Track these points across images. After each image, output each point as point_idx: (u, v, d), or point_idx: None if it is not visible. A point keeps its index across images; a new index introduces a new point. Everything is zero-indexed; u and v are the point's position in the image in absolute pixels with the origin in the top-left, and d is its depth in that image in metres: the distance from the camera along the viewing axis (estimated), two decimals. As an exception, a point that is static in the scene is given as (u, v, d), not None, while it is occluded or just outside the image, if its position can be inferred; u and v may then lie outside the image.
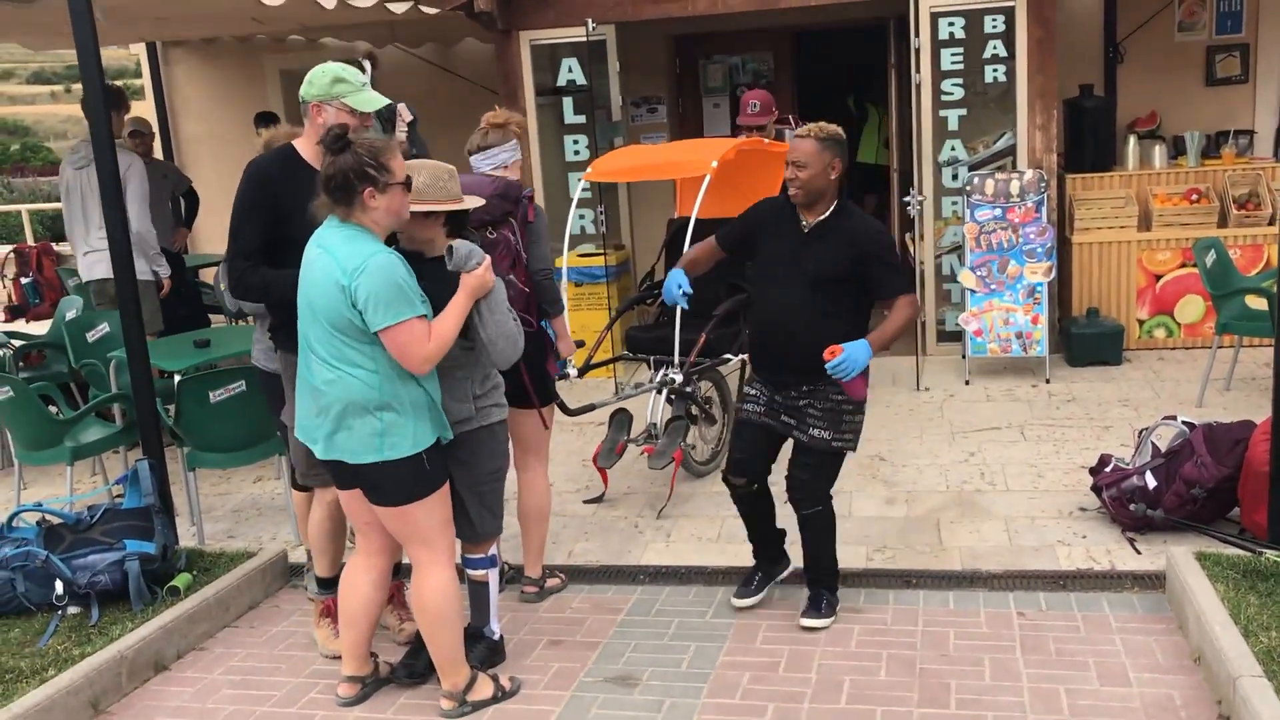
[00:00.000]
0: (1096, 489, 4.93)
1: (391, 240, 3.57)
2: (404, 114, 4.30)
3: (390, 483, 3.47)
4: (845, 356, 3.76)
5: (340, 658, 3.97)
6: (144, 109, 9.86)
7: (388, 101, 3.96)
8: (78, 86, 6.83)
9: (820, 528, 4.15)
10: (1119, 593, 4.29)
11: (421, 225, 3.61)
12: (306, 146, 3.88)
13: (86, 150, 6.53)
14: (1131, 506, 4.68)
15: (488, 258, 3.51)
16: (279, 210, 3.74)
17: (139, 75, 10.62)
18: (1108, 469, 4.91)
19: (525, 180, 4.55)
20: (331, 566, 4.24)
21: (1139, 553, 4.56)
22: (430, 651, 3.70)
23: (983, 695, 3.64)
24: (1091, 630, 4.01)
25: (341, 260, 3.33)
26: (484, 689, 3.75)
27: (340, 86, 3.83)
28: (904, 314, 3.95)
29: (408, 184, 3.44)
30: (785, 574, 4.39)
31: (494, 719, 3.70)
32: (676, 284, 4.21)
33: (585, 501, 5.58)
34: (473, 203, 3.75)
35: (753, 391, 4.19)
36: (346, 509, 3.70)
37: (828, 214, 4.00)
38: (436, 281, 3.50)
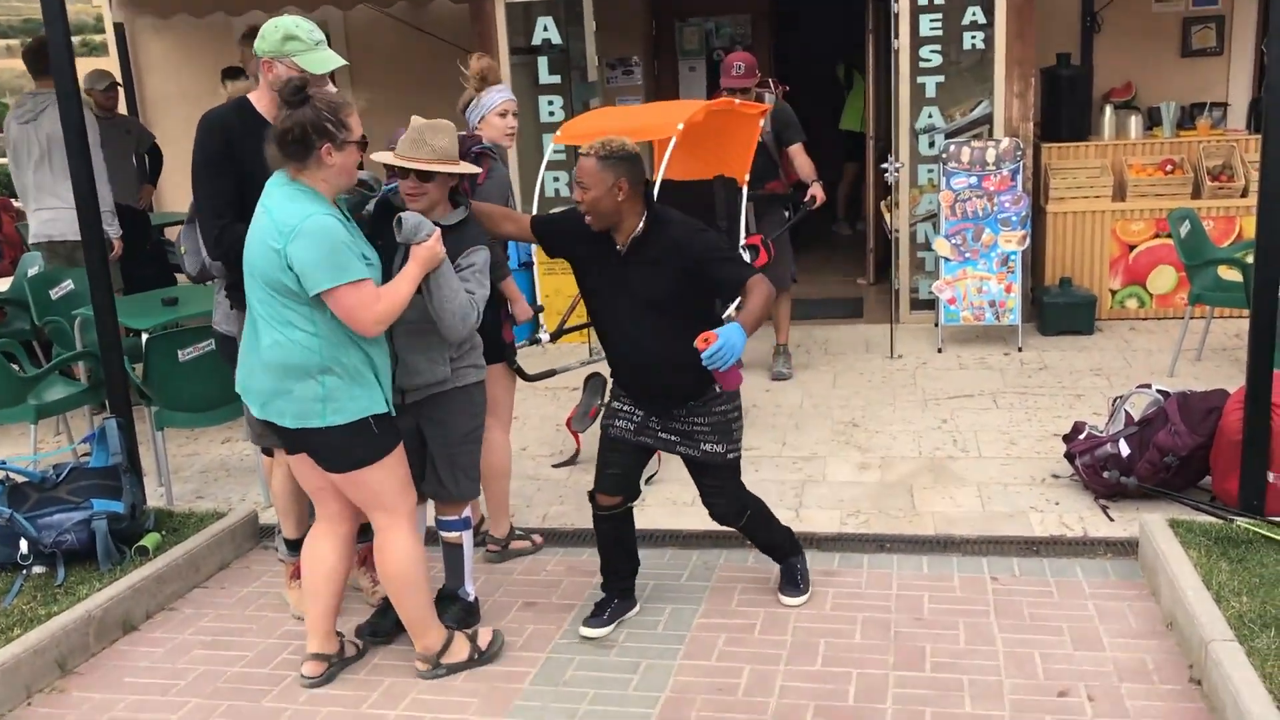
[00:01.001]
0: (1069, 456, 4.95)
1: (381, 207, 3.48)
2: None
3: (336, 449, 3.39)
4: (721, 344, 3.33)
5: None
6: (108, 65, 9.64)
7: (342, 62, 3.78)
8: (27, 43, 6.62)
9: (757, 525, 4.02)
10: (1092, 559, 4.31)
11: (442, 188, 3.57)
12: (261, 100, 3.78)
13: (33, 104, 6.37)
14: (1105, 474, 4.71)
15: (437, 229, 3.44)
16: (239, 164, 3.65)
17: (101, 31, 10.38)
18: (1081, 436, 4.94)
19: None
20: (297, 527, 4.19)
21: (1111, 520, 4.58)
22: (400, 616, 3.66)
23: (958, 659, 3.66)
24: (1065, 595, 4.04)
25: (278, 221, 3.23)
26: (460, 651, 3.71)
27: (291, 44, 3.67)
28: (761, 293, 3.52)
29: (363, 143, 3.36)
30: (633, 613, 4.04)
31: (468, 680, 3.68)
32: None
33: (555, 465, 5.55)
34: (469, 169, 3.68)
35: (624, 407, 3.88)
36: (297, 474, 3.63)
37: (639, 231, 3.64)
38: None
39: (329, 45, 3.82)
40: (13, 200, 10.53)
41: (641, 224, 3.64)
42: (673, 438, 3.83)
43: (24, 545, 4.27)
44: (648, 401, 3.83)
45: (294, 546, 4.19)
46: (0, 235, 9.90)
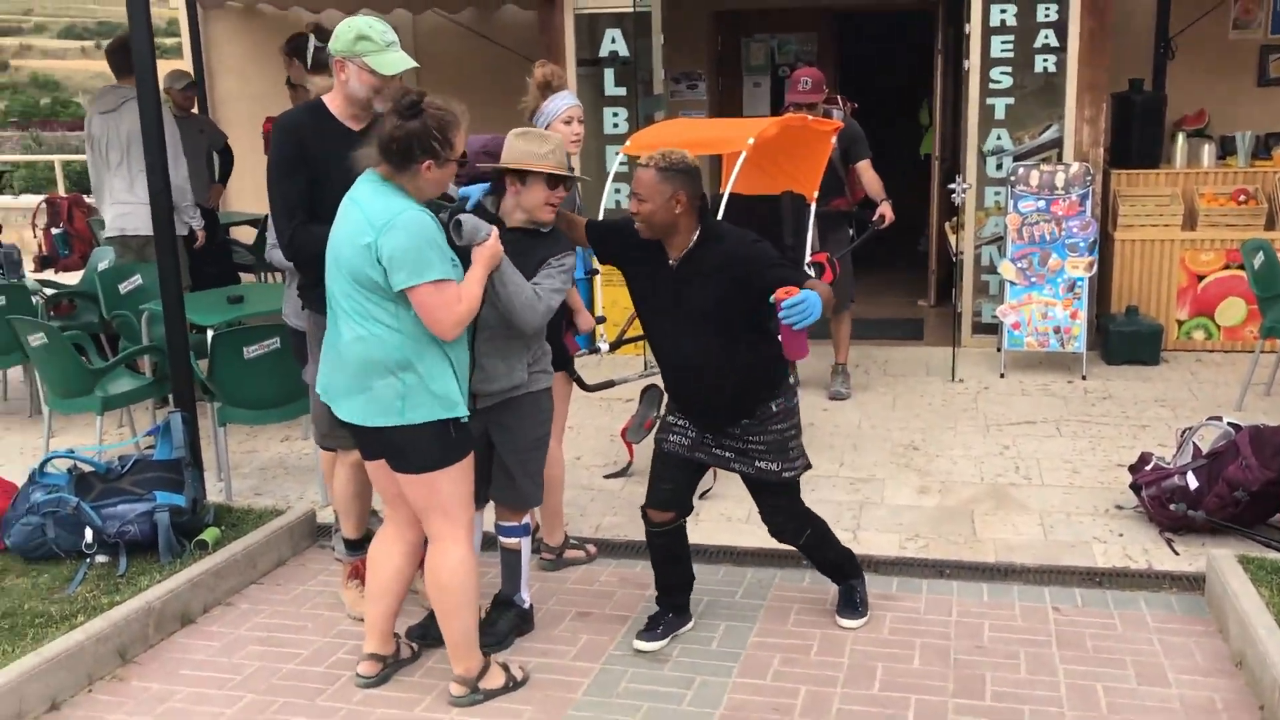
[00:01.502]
0: (1135, 487, 4.85)
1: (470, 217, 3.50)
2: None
3: (412, 447, 3.37)
4: (804, 298, 3.21)
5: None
6: (181, 67, 9.82)
7: (413, 64, 3.78)
8: (109, 43, 6.78)
9: (816, 543, 3.96)
10: (1156, 592, 4.22)
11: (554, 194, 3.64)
12: (334, 101, 3.81)
13: (114, 96, 6.47)
14: (1171, 506, 4.61)
15: (494, 229, 3.45)
16: (309, 161, 3.68)
17: (175, 34, 10.57)
18: (1148, 467, 4.84)
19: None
20: (357, 528, 4.20)
21: (1177, 553, 4.49)
22: (444, 633, 3.58)
23: (1019, 689, 3.59)
24: (1129, 629, 3.95)
25: (370, 215, 3.25)
26: (496, 678, 3.63)
27: (363, 44, 3.68)
28: (825, 287, 3.43)
29: (462, 160, 3.39)
30: (687, 629, 4.00)
31: (526, 688, 3.66)
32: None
33: (607, 475, 5.54)
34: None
35: (678, 422, 3.83)
36: (373, 480, 3.63)
37: (691, 245, 3.60)
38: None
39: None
40: (85, 196, 10.76)
41: (695, 239, 3.62)
42: (727, 454, 3.80)
43: (89, 534, 4.34)
44: (701, 417, 3.80)
45: (352, 546, 4.21)
46: (72, 230, 10.10)
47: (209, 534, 4.52)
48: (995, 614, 4.09)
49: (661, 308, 3.69)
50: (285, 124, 3.81)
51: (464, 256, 3.40)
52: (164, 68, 8.25)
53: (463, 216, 3.42)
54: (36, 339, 5.43)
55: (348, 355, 3.35)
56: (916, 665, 3.74)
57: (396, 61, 3.72)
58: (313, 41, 4.62)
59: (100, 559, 4.35)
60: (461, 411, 3.40)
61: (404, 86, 3.40)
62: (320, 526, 4.91)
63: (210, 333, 5.27)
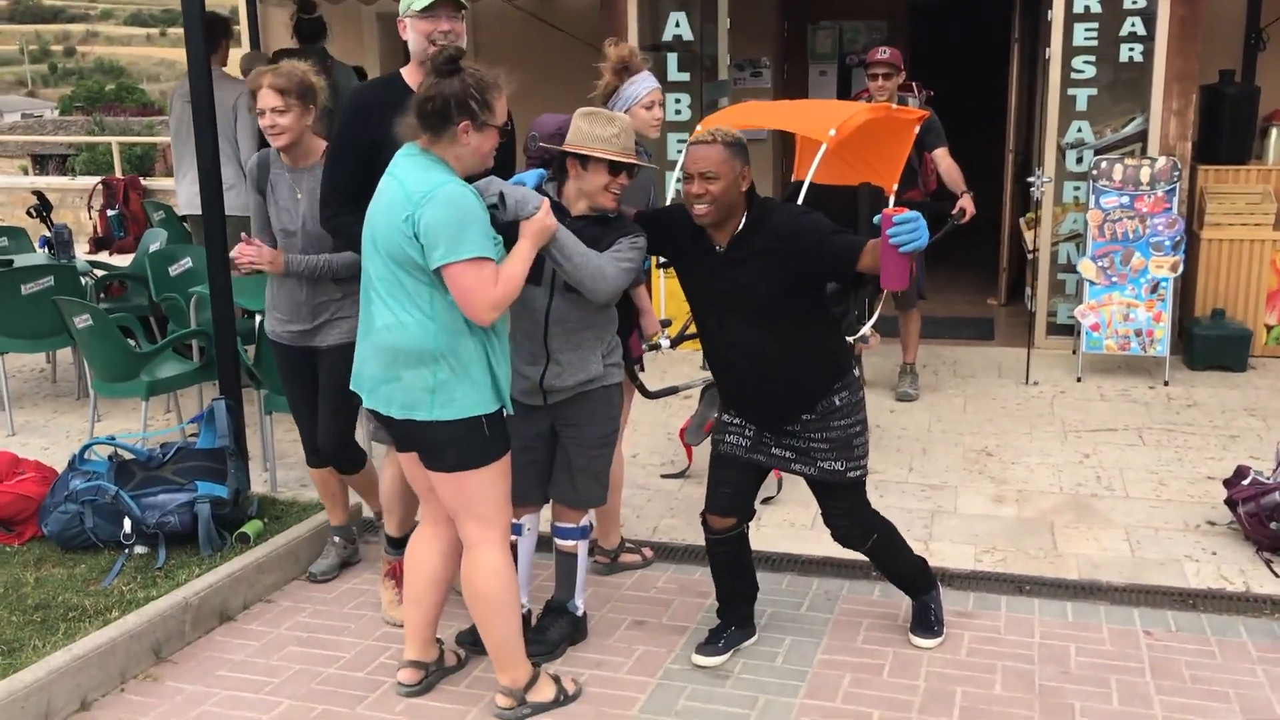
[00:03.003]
0: (1230, 503, 4.53)
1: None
2: None
3: (442, 445, 3.16)
4: (916, 216, 2.97)
5: (403, 626, 3.77)
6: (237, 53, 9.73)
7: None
8: (174, 30, 6.72)
9: (884, 550, 3.68)
10: (1256, 618, 3.91)
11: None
12: (411, 72, 3.66)
13: None
14: (1271, 525, 4.29)
15: (544, 200, 3.21)
16: (375, 135, 3.51)
17: (236, 23, 10.49)
18: (1245, 482, 4.51)
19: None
20: (401, 526, 4.02)
21: (1277, 575, 4.17)
22: (485, 642, 3.35)
23: (1111, 721, 3.31)
24: (1229, 657, 3.65)
25: (408, 188, 3.03)
26: (545, 690, 3.40)
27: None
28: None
29: (506, 130, 3.16)
30: (750, 643, 3.76)
31: (575, 703, 3.44)
32: None
33: (664, 476, 5.31)
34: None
35: (734, 421, 3.60)
36: (407, 473, 3.42)
37: (741, 228, 3.37)
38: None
39: None
40: (141, 178, 10.71)
41: (744, 221, 3.37)
42: (788, 454, 3.54)
43: (127, 524, 4.19)
44: (757, 415, 3.54)
45: (394, 544, 4.03)
46: (127, 212, 10.06)
47: (251, 527, 4.35)
48: (1081, 636, 3.80)
49: (713, 296, 3.45)
50: (351, 101, 3.73)
51: (514, 234, 3.19)
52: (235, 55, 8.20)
53: (507, 189, 3.19)
54: (82, 321, 5.30)
55: (379, 341, 3.15)
56: (998, 691, 3.47)
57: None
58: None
59: (139, 550, 4.20)
60: (494, 407, 3.18)
61: (452, 46, 3.19)
62: (365, 521, 4.73)
63: (259, 317, 5.11)
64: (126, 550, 4.18)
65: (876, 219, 3.06)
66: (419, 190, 3.01)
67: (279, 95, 3.83)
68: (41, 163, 19.75)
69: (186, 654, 3.78)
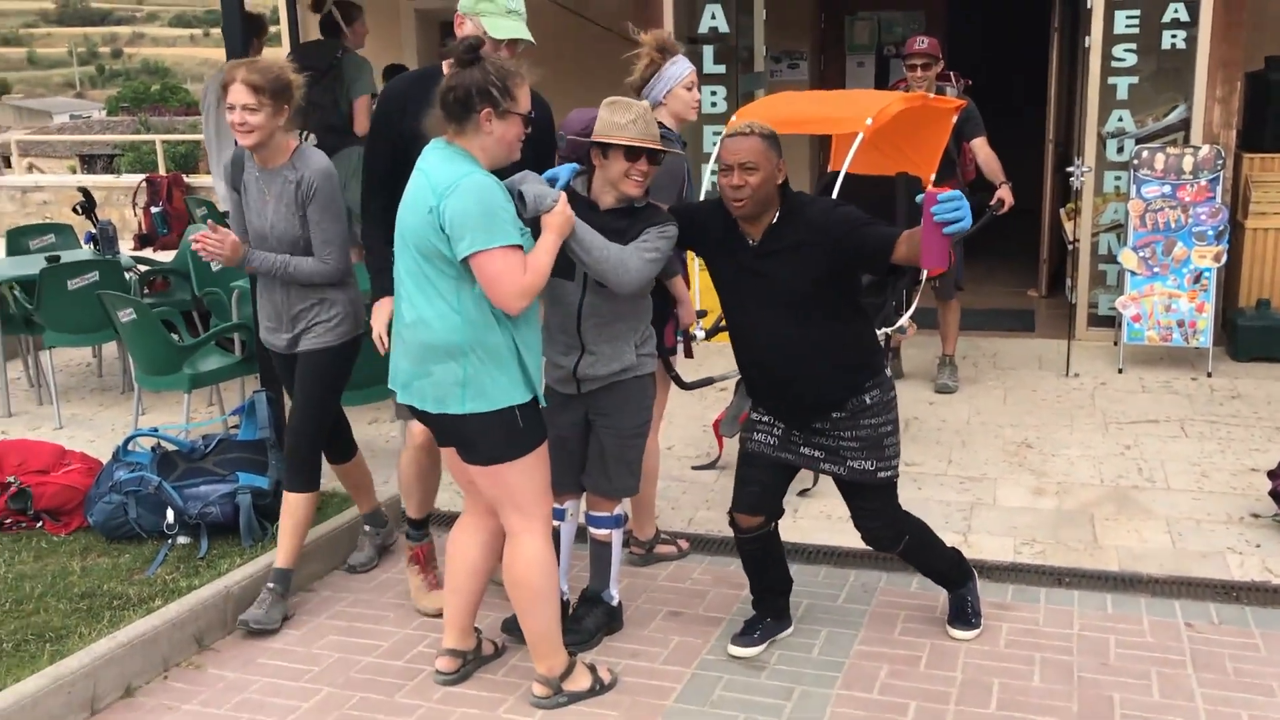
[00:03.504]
0: (1276, 494, 4.47)
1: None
2: None
3: (477, 438, 3.18)
4: (960, 195, 2.93)
5: (433, 615, 3.83)
6: (278, 56, 9.82)
7: (528, 37, 3.66)
8: (216, 30, 6.80)
9: (916, 549, 3.64)
10: (1302, 611, 3.86)
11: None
12: (450, 64, 3.67)
13: None
14: (1317, 517, 4.23)
15: (562, 194, 3.22)
16: (409, 126, 3.54)
17: (276, 22, 10.57)
18: (1290, 473, 4.45)
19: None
20: (420, 509, 4.06)
21: (1323, 568, 4.11)
22: (524, 630, 3.39)
23: (1151, 713, 3.28)
24: (1273, 650, 3.60)
25: (434, 180, 3.06)
26: (582, 679, 3.42)
27: (484, 5, 3.61)
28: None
29: (528, 119, 3.17)
30: (786, 634, 3.75)
31: (610, 693, 3.45)
32: None
33: (694, 468, 5.31)
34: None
35: (763, 418, 3.58)
36: (448, 465, 3.45)
37: (775, 221, 3.35)
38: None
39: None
40: (184, 176, 10.85)
41: (777, 214, 3.36)
42: (817, 454, 3.51)
43: (170, 515, 4.24)
44: (786, 412, 3.52)
45: (415, 526, 4.08)
46: (170, 209, 10.19)
47: (291, 517, 4.39)
48: (1121, 628, 3.77)
49: (743, 291, 3.43)
50: (385, 92, 3.80)
51: (538, 230, 3.20)
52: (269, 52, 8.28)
53: (524, 186, 3.21)
54: (126, 315, 5.38)
55: (408, 337, 3.19)
56: (1037, 683, 3.45)
57: (510, 28, 3.60)
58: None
59: (181, 540, 4.26)
60: (527, 397, 3.20)
61: (471, 35, 3.22)
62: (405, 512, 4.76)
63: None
64: (169, 540, 4.24)
65: (919, 197, 3.04)
66: (444, 182, 3.04)
67: (252, 92, 3.67)
68: (89, 162, 20.02)
69: (228, 642, 3.83)
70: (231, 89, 3.68)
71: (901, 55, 6.22)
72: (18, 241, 7.44)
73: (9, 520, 4.50)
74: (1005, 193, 5.87)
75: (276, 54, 8.57)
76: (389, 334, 3.62)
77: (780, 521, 3.70)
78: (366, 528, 4.44)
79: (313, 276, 3.82)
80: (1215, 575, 4.10)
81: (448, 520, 4.45)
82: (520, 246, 3.07)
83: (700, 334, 4.93)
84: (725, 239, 3.44)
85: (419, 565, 4.06)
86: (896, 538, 3.60)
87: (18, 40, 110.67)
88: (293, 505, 3.93)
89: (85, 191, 8.33)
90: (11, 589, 3.94)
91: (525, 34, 3.64)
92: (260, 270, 3.86)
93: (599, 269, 3.29)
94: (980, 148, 5.99)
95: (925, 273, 4.92)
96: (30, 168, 18.83)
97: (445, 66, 3.69)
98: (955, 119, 5.91)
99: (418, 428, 3.86)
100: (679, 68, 4.06)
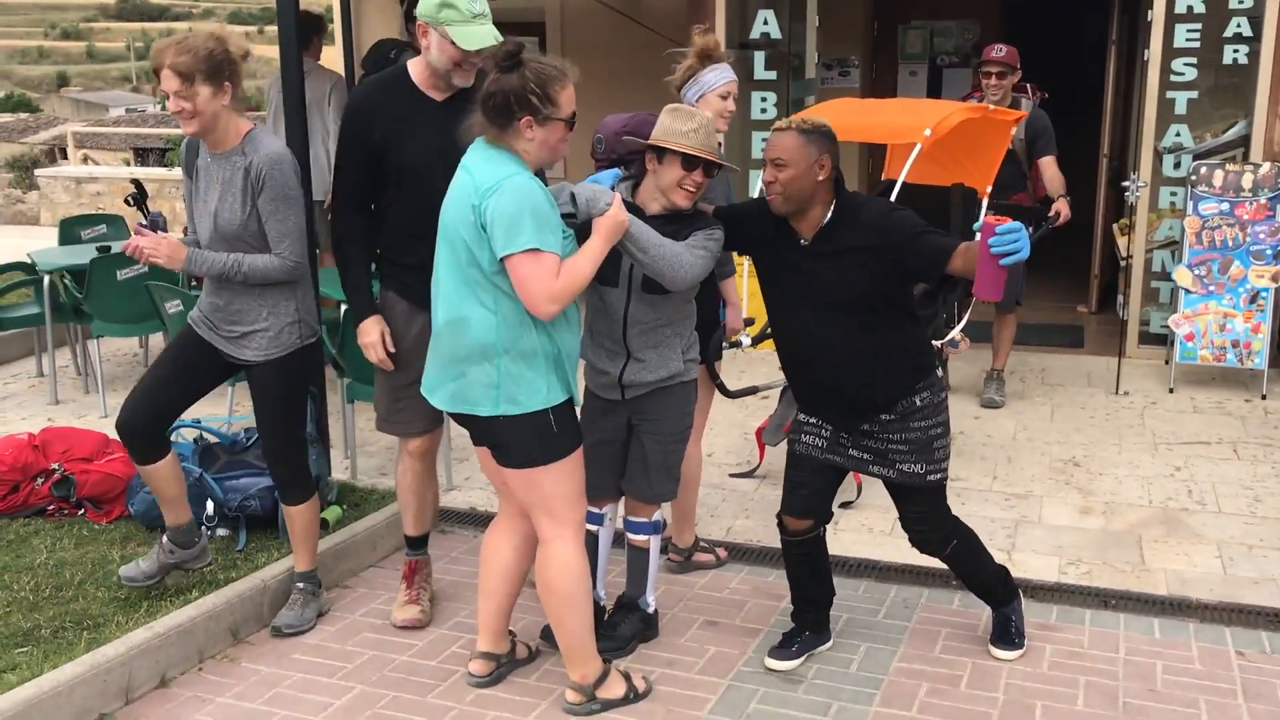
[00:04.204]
0: (1332, 522, 4.35)
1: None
2: None
3: (511, 441, 3.15)
4: (1019, 227, 2.89)
5: (407, 628, 3.82)
6: (331, 55, 9.89)
7: (497, 40, 3.40)
8: (271, 28, 6.85)
9: (964, 557, 3.58)
10: (1357, 643, 3.75)
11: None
12: (418, 69, 3.62)
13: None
14: (1375, 546, 4.11)
15: (616, 195, 3.19)
16: (379, 138, 3.53)
17: (330, 21, 10.65)
18: (1348, 501, 4.33)
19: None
20: (415, 524, 3.95)
21: (1381, 600, 3.99)
22: (557, 637, 3.36)
23: (1199, 743, 3.19)
24: (1327, 683, 3.50)
25: (478, 180, 3.04)
26: (616, 687, 3.38)
27: (447, 13, 3.42)
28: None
29: (571, 121, 3.14)
30: (825, 648, 3.71)
31: (644, 701, 3.41)
32: None
33: (733, 475, 5.26)
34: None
35: (811, 420, 3.53)
36: (483, 467, 3.42)
37: (826, 221, 3.29)
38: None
39: (493, 28, 3.55)
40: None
41: (830, 213, 3.30)
42: (865, 456, 3.46)
43: (210, 506, 4.26)
44: (833, 415, 3.47)
45: (410, 544, 3.99)
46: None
47: (330, 513, 4.40)
48: (1169, 654, 3.68)
49: (792, 291, 3.38)
50: (351, 99, 3.72)
51: (588, 233, 3.17)
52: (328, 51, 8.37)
53: (578, 188, 3.18)
54: (174, 306, 5.42)
55: (441, 339, 3.17)
56: (1080, 707, 3.37)
57: (481, 35, 3.45)
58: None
59: (220, 532, 4.28)
60: (560, 399, 3.16)
61: (512, 40, 3.16)
62: (443, 511, 4.75)
63: (343, 307, 5.17)
64: (208, 532, 4.25)
65: (977, 226, 2.99)
66: (487, 182, 3.02)
67: (179, 78, 3.36)
68: (143, 155, 20.32)
69: (263, 636, 3.84)
70: (161, 76, 3.39)
71: (978, 64, 6.13)
72: (70, 231, 7.52)
73: (52, 507, 4.54)
74: (1063, 205, 5.78)
75: (331, 52, 8.64)
76: (386, 351, 3.63)
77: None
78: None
79: (269, 274, 3.52)
80: (1268, 603, 4.00)
81: (455, 518, 4.45)
82: (554, 252, 3.04)
83: (746, 340, 4.88)
84: (775, 237, 3.39)
85: (408, 583, 3.97)
86: (944, 541, 3.54)
87: (78, 34, 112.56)
88: (292, 516, 3.84)
89: (138, 183, 8.39)
90: (52, 575, 3.97)
91: (495, 38, 3.43)
92: (208, 274, 3.55)
93: (656, 266, 3.25)
94: (1048, 166, 5.90)
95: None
96: (85, 159, 19.14)
97: (413, 71, 3.63)
98: (1026, 133, 5.82)
99: (414, 440, 3.83)
100: (717, 74, 4.00)
